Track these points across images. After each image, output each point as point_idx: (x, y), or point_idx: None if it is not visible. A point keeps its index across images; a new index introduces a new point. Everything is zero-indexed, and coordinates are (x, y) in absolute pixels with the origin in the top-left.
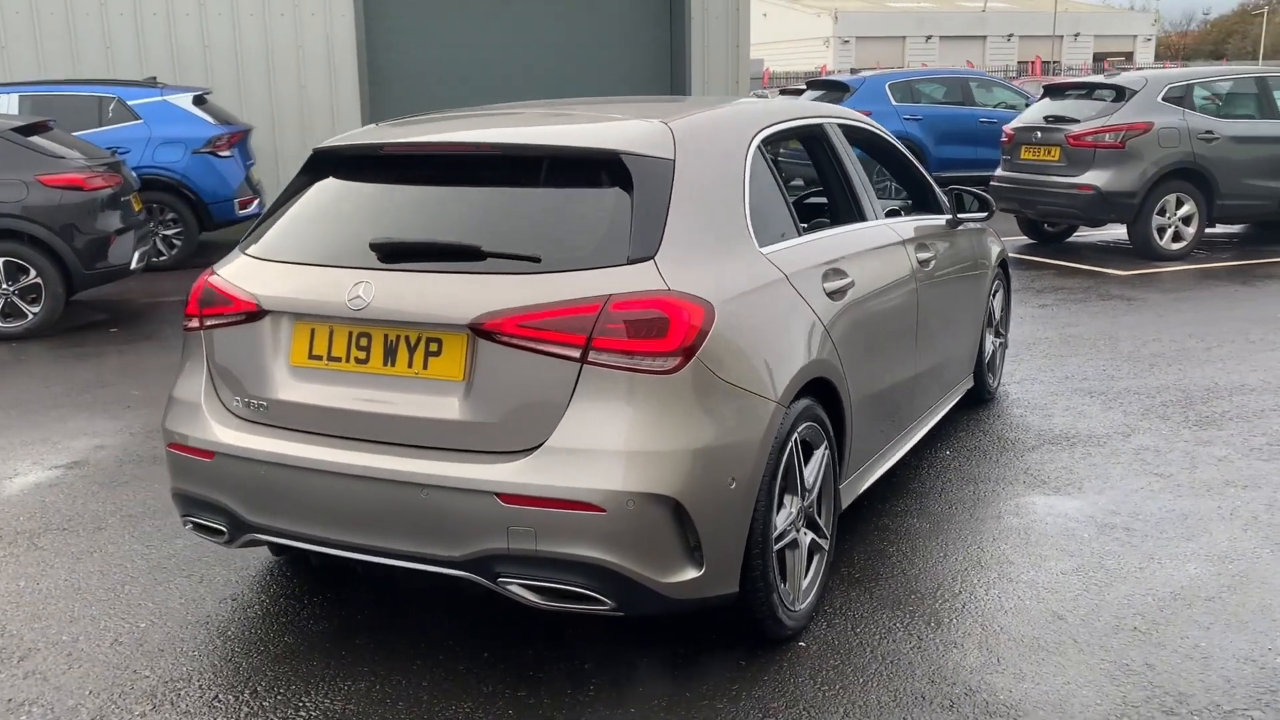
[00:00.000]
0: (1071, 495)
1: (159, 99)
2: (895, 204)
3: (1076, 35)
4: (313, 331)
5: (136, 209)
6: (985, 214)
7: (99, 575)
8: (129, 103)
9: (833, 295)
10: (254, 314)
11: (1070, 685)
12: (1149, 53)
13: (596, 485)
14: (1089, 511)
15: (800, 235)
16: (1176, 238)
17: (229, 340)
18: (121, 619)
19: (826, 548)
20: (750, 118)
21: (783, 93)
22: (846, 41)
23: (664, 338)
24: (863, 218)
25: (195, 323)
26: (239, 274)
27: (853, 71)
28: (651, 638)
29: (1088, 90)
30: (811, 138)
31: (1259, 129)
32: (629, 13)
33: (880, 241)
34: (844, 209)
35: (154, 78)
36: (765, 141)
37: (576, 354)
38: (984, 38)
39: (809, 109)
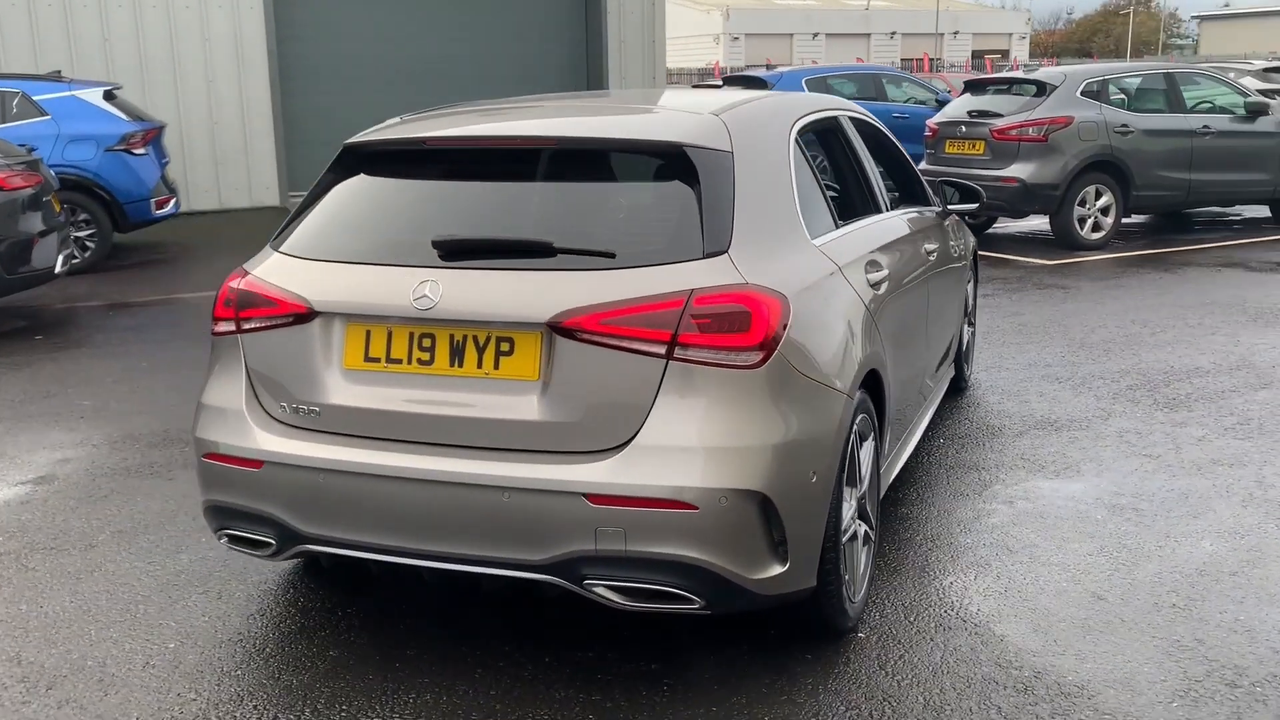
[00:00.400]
0: (1072, 478)
1: (67, 94)
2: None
3: (956, 33)
4: (368, 333)
5: (56, 210)
6: (974, 204)
7: (106, 595)
8: (34, 98)
9: (874, 286)
10: (303, 316)
11: (1131, 663)
12: (1024, 50)
13: (689, 483)
14: (1094, 494)
15: (838, 227)
16: (1096, 228)
17: (272, 344)
18: (146, 640)
19: (874, 538)
20: (786, 109)
21: (696, 87)
22: (736, 38)
23: (747, 332)
24: (879, 210)
25: (229, 326)
26: (279, 274)
27: (768, 67)
28: (705, 635)
29: (1008, 86)
30: (831, 130)
31: (1169, 122)
32: (545, 7)
33: (900, 233)
34: (860, 201)
35: (58, 71)
36: (800, 133)
37: (662, 350)
38: (868, 35)
39: (826, 101)
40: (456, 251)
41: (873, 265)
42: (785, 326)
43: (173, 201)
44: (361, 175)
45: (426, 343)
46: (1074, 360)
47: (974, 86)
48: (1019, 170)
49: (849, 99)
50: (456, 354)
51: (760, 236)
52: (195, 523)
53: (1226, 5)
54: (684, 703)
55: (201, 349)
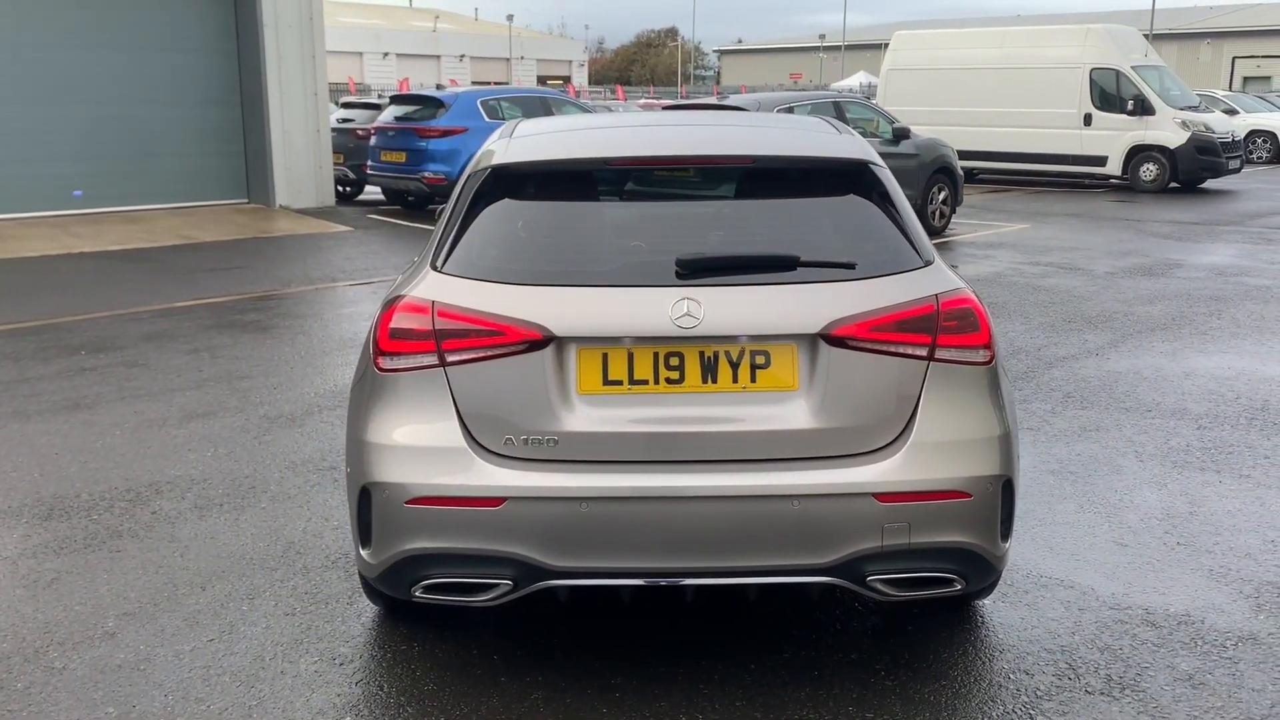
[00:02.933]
0: None
1: None
2: None
3: (522, 58)
4: (605, 356)
5: None
6: None
7: (222, 677)
8: None
9: None
10: (537, 343)
11: (1199, 591)
12: (584, 76)
13: (964, 473)
14: (1027, 462)
15: None
16: None
17: (493, 374)
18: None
19: None
20: None
21: (346, 105)
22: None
23: (979, 331)
24: None
25: (426, 360)
26: (487, 301)
27: (438, 86)
28: (840, 627)
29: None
30: None
31: None
32: (189, 17)
33: None
34: None
35: None
36: None
37: (924, 352)
38: (438, 57)
39: None
40: (700, 269)
41: None
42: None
43: None
44: (528, 197)
45: (674, 361)
46: None
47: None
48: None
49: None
50: (709, 370)
51: (928, 245)
52: (211, 594)
53: (740, 41)
54: (921, 679)
55: None
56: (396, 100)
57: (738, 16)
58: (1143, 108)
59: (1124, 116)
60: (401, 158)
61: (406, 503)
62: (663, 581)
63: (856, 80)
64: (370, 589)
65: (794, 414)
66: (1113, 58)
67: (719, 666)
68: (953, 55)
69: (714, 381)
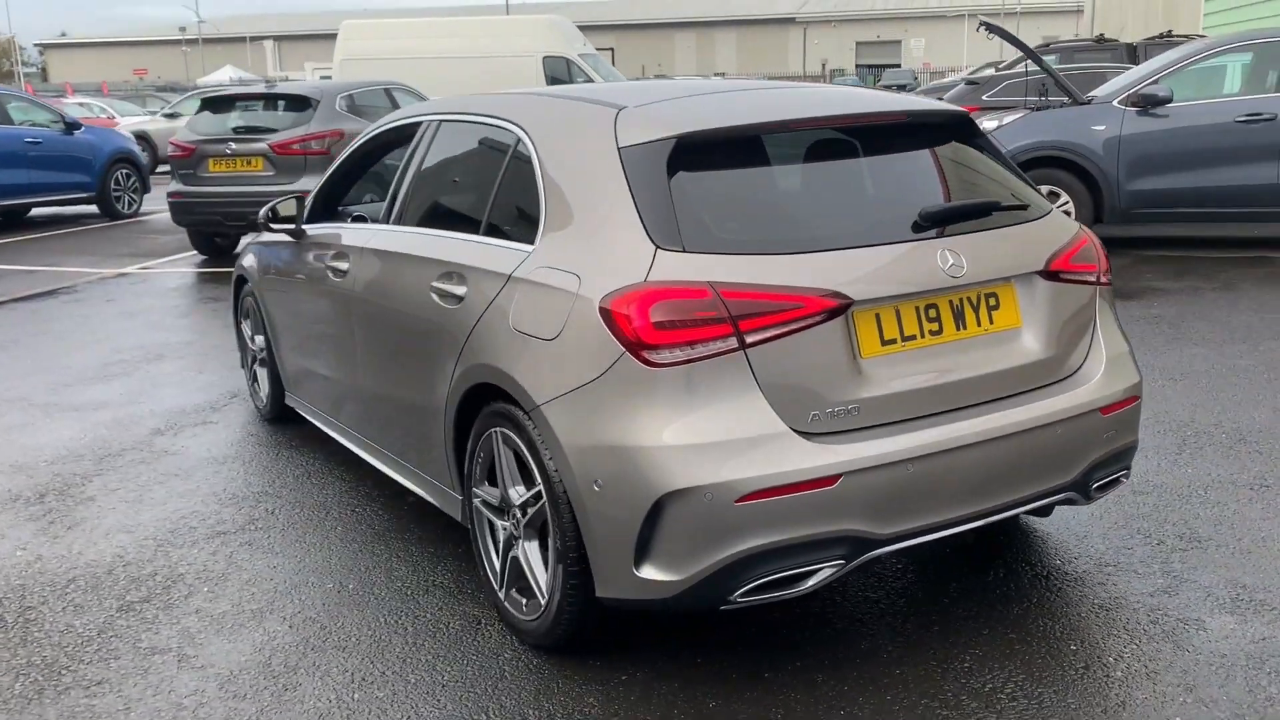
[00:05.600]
0: None
1: None
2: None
3: None
4: (878, 316)
5: None
6: None
7: None
8: None
9: None
10: (834, 311)
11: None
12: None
13: (1134, 379)
14: None
15: None
16: None
17: (789, 350)
18: None
19: None
20: None
21: None
22: None
23: (1103, 259)
24: None
25: (724, 344)
26: (774, 274)
27: None
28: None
29: (266, 101)
30: None
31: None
32: None
33: None
34: None
35: None
36: None
37: (1093, 278)
38: None
39: None
40: (940, 220)
41: None
42: None
43: None
44: (725, 165)
45: (932, 313)
46: None
47: (216, 103)
48: (309, 182)
49: None
50: (958, 317)
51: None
52: (313, 666)
53: (64, 35)
54: (1068, 586)
55: None
56: None
57: (49, 8)
58: None
59: None
60: None
61: (736, 501)
62: (966, 527)
63: (225, 75)
64: (557, 621)
65: (1024, 348)
66: (560, 47)
67: (911, 623)
68: (413, 45)
69: (964, 327)
